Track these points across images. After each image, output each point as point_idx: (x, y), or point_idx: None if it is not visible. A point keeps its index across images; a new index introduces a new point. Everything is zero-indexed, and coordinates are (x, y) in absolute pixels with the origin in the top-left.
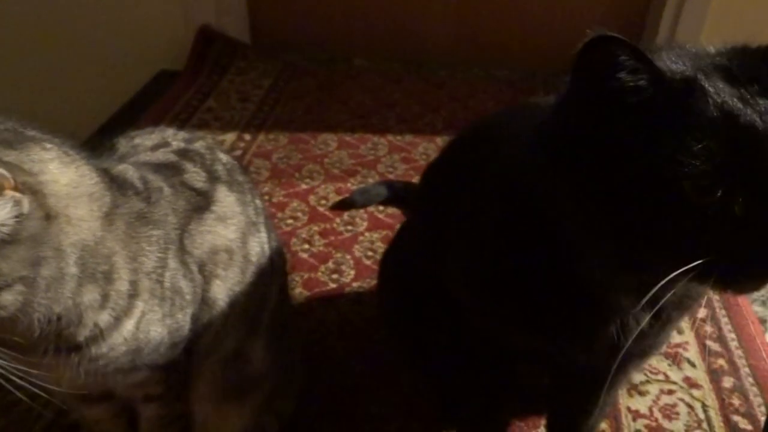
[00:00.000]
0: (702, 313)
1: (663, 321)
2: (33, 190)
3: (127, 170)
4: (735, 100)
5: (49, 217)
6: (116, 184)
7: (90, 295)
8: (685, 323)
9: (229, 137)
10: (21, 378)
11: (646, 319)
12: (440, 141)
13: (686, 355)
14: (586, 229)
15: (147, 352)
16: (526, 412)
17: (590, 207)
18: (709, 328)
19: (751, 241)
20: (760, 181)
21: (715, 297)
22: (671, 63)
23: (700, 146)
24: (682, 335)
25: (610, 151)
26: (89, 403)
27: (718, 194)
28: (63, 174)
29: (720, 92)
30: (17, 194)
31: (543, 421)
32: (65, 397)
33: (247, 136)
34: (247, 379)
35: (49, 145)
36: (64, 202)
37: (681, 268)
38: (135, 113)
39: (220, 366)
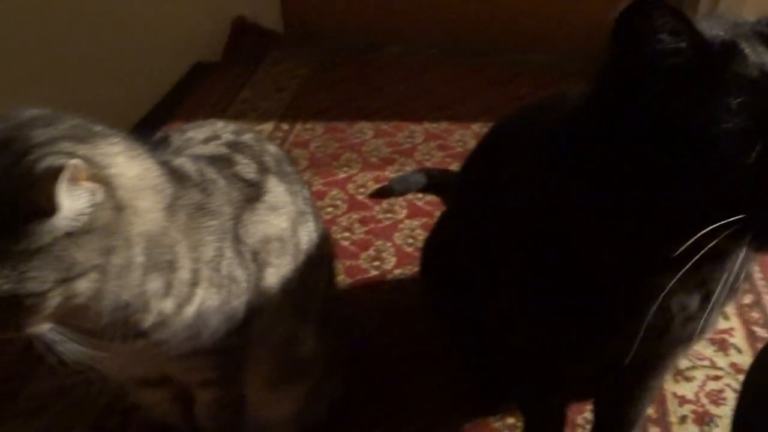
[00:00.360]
0: (748, 298)
1: (713, 303)
2: (104, 182)
3: (185, 163)
4: None
5: (118, 208)
6: (176, 176)
7: (155, 283)
8: (731, 309)
9: (267, 127)
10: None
11: (695, 301)
12: (476, 128)
13: (732, 341)
14: (626, 199)
15: (205, 337)
16: (571, 397)
17: (629, 172)
18: (755, 314)
19: None
20: None
21: (761, 282)
22: (711, 29)
23: (738, 104)
24: (729, 321)
25: (648, 114)
26: (148, 387)
27: (756, 151)
28: (129, 167)
29: (760, 55)
30: (92, 184)
31: (588, 406)
32: (125, 381)
33: (285, 126)
34: (298, 364)
35: (115, 140)
36: (131, 194)
37: (718, 222)
38: (173, 105)
39: (273, 351)
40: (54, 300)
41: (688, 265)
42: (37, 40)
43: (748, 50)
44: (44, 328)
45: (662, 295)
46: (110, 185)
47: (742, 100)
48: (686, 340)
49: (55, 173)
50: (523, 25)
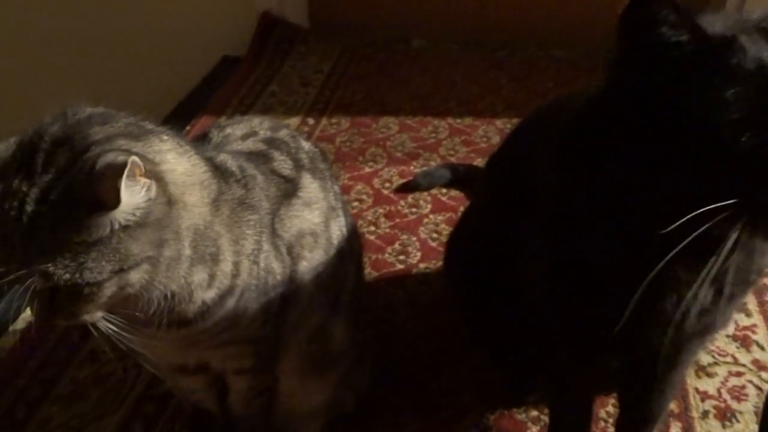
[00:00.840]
0: None
1: (725, 297)
2: (157, 178)
3: (227, 159)
4: None
5: (170, 202)
6: (220, 172)
7: (200, 275)
8: (753, 306)
9: (294, 121)
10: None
11: (705, 293)
12: (500, 123)
13: (755, 338)
14: (633, 176)
15: (243, 327)
16: (597, 389)
17: (636, 155)
18: None
19: None
20: None
21: None
22: (713, 24)
23: (734, 95)
24: (751, 318)
25: (652, 101)
26: (185, 374)
27: (747, 138)
28: (179, 163)
29: (758, 49)
30: (147, 180)
31: (611, 400)
32: (164, 368)
33: (311, 120)
34: (329, 355)
35: (165, 137)
36: (181, 189)
37: (712, 204)
38: (202, 98)
39: (306, 342)
40: (109, 289)
41: (680, 246)
42: (67, 34)
43: (748, 44)
44: (98, 316)
45: (675, 283)
46: (162, 181)
47: (738, 92)
48: (702, 332)
49: (118, 169)
50: (544, 21)
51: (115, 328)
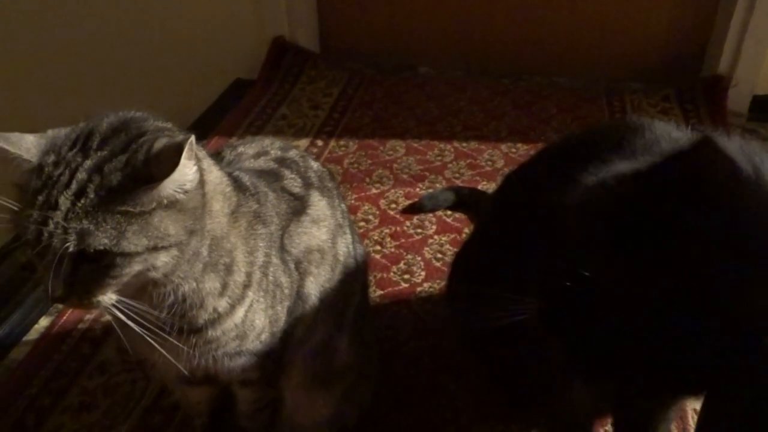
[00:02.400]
0: None
1: None
2: (200, 171)
3: (242, 175)
4: None
5: (203, 200)
6: (238, 186)
7: (211, 283)
8: None
9: (303, 143)
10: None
11: None
12: (504, 147)
13: None
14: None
15: (251, 339)
16: (596, 414)
17: None
18: None
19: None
20: None
21: None
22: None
23: None
24: None
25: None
26: (193, 385)
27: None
28: (212, 170)
29: None
30: (195, 166)
31: (610, 419)
32: (172, 380)
33: (320, 142)
34: (333, 369)
35: (201, 149)
36: (211, 194)
37: None
38: (214, 120)
39: (311, 356)
40: (137, 266)
41: None
42: (82, 55)
43: None
44: (112, 299)
45: None
46: (203, 177)
47: None
48: None
49: (178, 145)
50: (547, 51)
51: (124, 316)
